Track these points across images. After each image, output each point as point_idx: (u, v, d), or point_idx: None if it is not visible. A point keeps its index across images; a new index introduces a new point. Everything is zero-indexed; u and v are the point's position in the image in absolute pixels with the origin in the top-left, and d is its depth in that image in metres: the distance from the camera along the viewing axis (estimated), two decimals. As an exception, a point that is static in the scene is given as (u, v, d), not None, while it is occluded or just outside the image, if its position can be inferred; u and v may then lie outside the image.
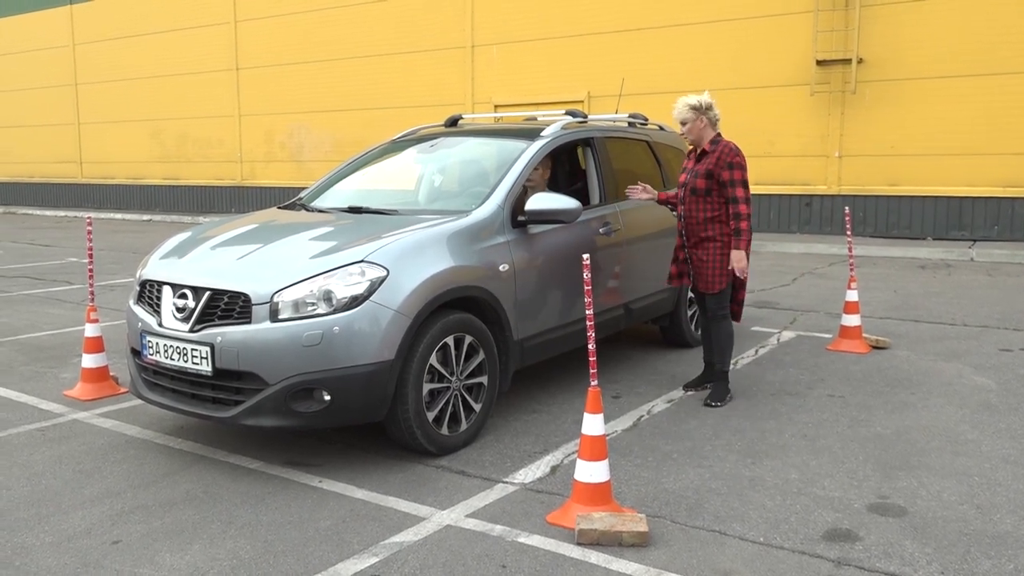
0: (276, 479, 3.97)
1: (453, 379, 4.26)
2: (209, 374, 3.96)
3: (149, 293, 4.38)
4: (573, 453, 4.19)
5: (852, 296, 6.41)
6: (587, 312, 3.48)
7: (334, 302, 3.88)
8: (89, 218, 5.79)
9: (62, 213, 22.16)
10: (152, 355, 4.21)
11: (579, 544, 3.26)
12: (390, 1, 17.75)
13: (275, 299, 3.89)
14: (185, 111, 21.25)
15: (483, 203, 4.70)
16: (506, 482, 3.91)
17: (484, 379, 4.43)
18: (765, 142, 14.10)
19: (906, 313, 7.83)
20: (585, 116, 5.83)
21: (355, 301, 3.89)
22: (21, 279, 10.48)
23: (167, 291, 4.21)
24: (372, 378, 3.87)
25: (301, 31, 19.07)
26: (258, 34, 19.80)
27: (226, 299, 3.99)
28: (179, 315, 4.10)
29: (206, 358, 3.94)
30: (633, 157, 6.18)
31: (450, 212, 4.70)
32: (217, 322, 3.98)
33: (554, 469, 4.07)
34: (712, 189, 4.94)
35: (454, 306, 4.31)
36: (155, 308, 4.28)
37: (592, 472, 3.43)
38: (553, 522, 3.45)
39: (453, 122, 6.17)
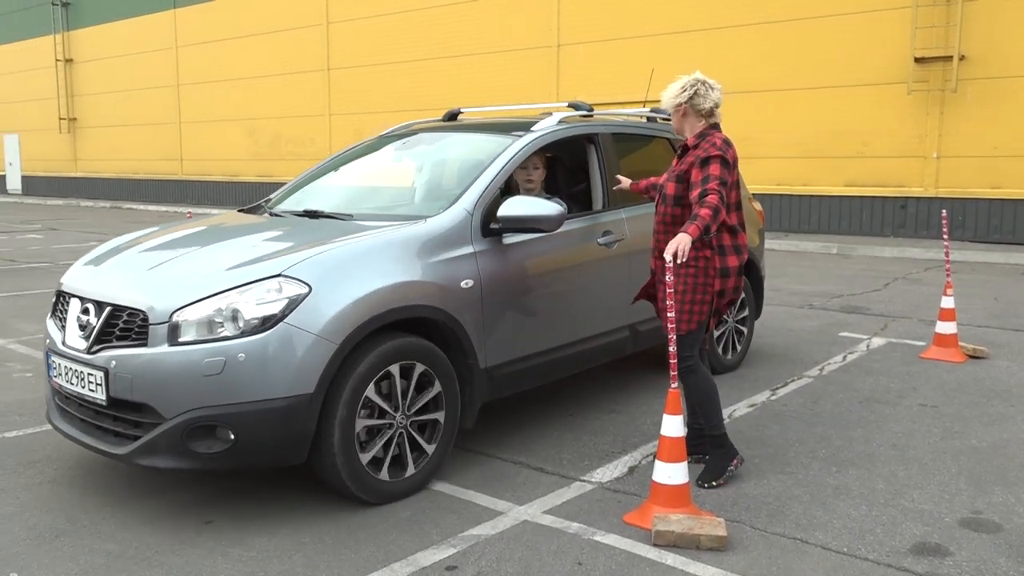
0: (359, 469, 4.08)
1: (398, 415, 3.63)
2: (104, 403, 3.46)
3: (61, 306, 3.91)
4: (651, 454, 4.17)
5: (948, 303, 6.17)
6: (668, 303, 3.45)
7: (241, 324, 3.31)
8: (189, 213, 6.08)
9: (164, 208, 23.23)
10: (55, 377, 3.72)
11: (655, 545, 3.25)
12: (477, 2, 17.94)
13: (174, 318, 3.34)
14: (278, 111, 21.99)
15: (447, 208, 4.07)
16: (583, 480, 3.92)
17: (440, 415, 3.79)
18: (859, 142, 13.68)
19: (1007, 322, 7.47)
20: (590, 109, 5.29)
21: (267, 323, 3.30)
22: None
23: (74, 304, 3.72)
24: (286, 414, 3.29)
25: (389, 32, 19.47)
26: (349, 35, 20.32)
27: (125, 316, 3.47)
28: (81, 333, 3.61)
29: (100, 384, 3.43)
30: (649, 156, 5.51)
31: (407, 217, 4.10)
32: (115, 343, 3.46)
33: (632, 470, 4.06)
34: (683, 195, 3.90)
35: (402, 328, 3.71)
36: (63, 323, 3.80)
37: (671, 474, 3.41)
38: (630, 522, 3.45)
39: (452, 116, 5.56)
